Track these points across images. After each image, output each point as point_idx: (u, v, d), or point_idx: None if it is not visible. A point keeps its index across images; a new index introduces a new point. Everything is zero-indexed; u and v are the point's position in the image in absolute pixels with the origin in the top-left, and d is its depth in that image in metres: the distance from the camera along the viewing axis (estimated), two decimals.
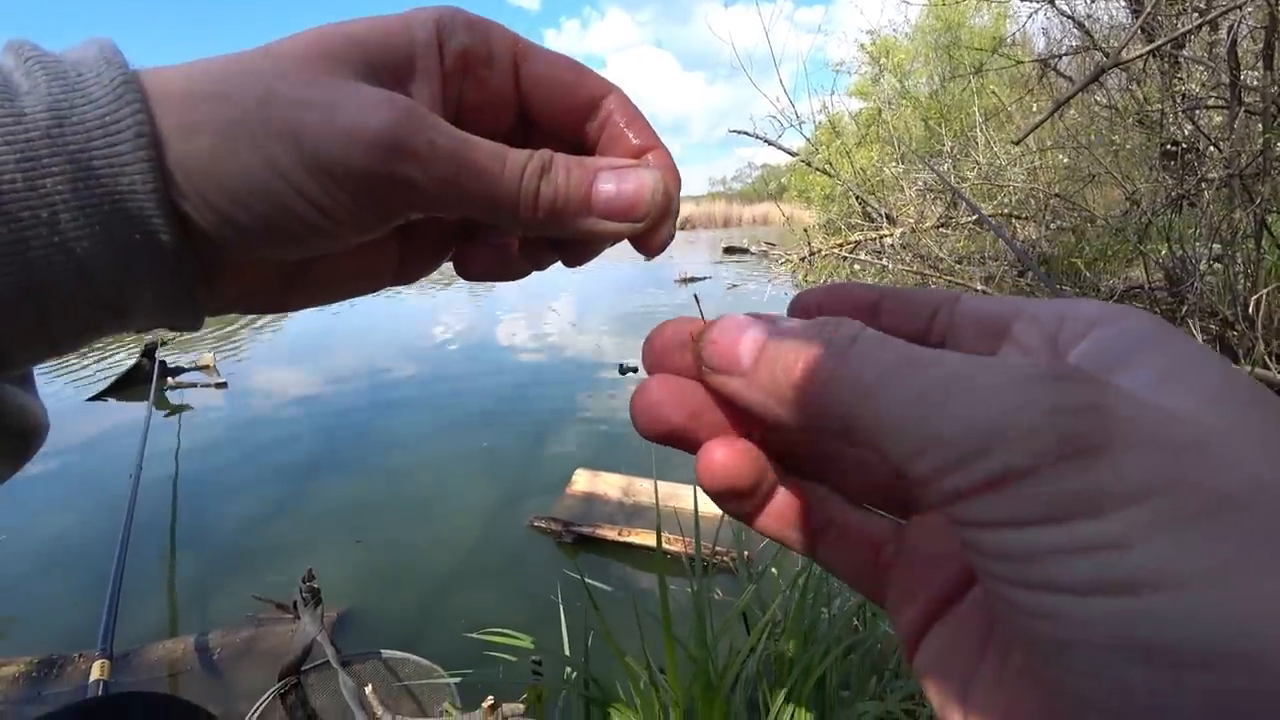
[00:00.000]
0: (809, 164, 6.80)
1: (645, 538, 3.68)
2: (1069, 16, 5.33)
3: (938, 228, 5.91)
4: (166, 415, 5.62)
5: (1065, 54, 5.73)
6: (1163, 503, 0.12)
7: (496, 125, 0.26)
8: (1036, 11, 5.45)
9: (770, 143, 6.37)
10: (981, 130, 6.08)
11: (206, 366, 8.81)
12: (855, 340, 0.16)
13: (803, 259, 5.55)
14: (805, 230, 6.26)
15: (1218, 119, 3.83)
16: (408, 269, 0.28)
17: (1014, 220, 5.51)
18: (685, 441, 0.21)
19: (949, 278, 4.93)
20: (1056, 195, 5.05)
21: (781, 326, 0.19)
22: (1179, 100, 3.85)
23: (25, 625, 2.80)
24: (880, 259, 5.69)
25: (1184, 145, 4.01)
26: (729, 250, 18.12)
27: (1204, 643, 0.11)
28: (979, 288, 4.44)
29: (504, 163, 0.22)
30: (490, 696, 1.39)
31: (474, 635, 1.41)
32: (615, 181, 0.23)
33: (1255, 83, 3.20)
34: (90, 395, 6.51)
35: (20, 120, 0.18)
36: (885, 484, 0.23)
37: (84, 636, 2.30)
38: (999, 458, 0.13)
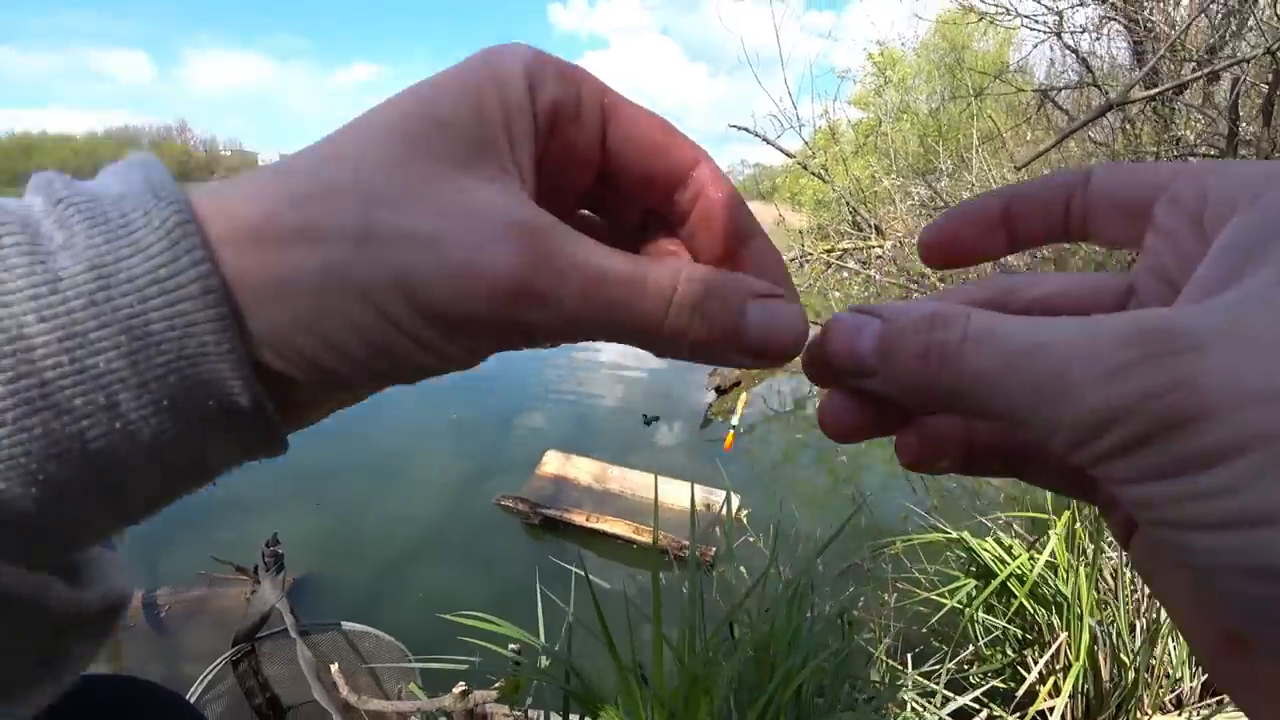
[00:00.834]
0: (804, 167, 6.83)
1: (615, 526, 3.66)
2: (1073, 50, 5.40)
3: None
4: None
5: (1065, 87, 5.82)
6: (1260, 456, 0.13)
7: (575, 186, 0.23)
8: (1042, 41, 5.52)
9: (769, 141, 6.39)
10: (977, 153, 6.15)
11: None
12: (964, 340, 0.17)
13: (793, 259, 5.57)
14: (801, 233, 6.29)
15: None
16: None
17: None
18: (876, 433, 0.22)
19: (933, 295, 4.98)
20: None
21: (892, 322, 0.19)
22: (1175, 144, 3.93)
23: None
24: (867, 268, 5.74)
25: None
26: None
27: None
28: None
29: (644, 289, 0.19)
30: (461, 683, 1.35)
31: (448, 617, 1.37)
32: (766, 317, 0.20)
33: (1251, 136, 3.28)
34: None
35: (57, 287, 0.15)
36: None
37: None
38: (1115, 434, 0.15)
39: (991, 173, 5.94)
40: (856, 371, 0.19)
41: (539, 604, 1.37)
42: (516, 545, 3.78)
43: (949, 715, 1.40)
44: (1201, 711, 1.53)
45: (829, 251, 5.95)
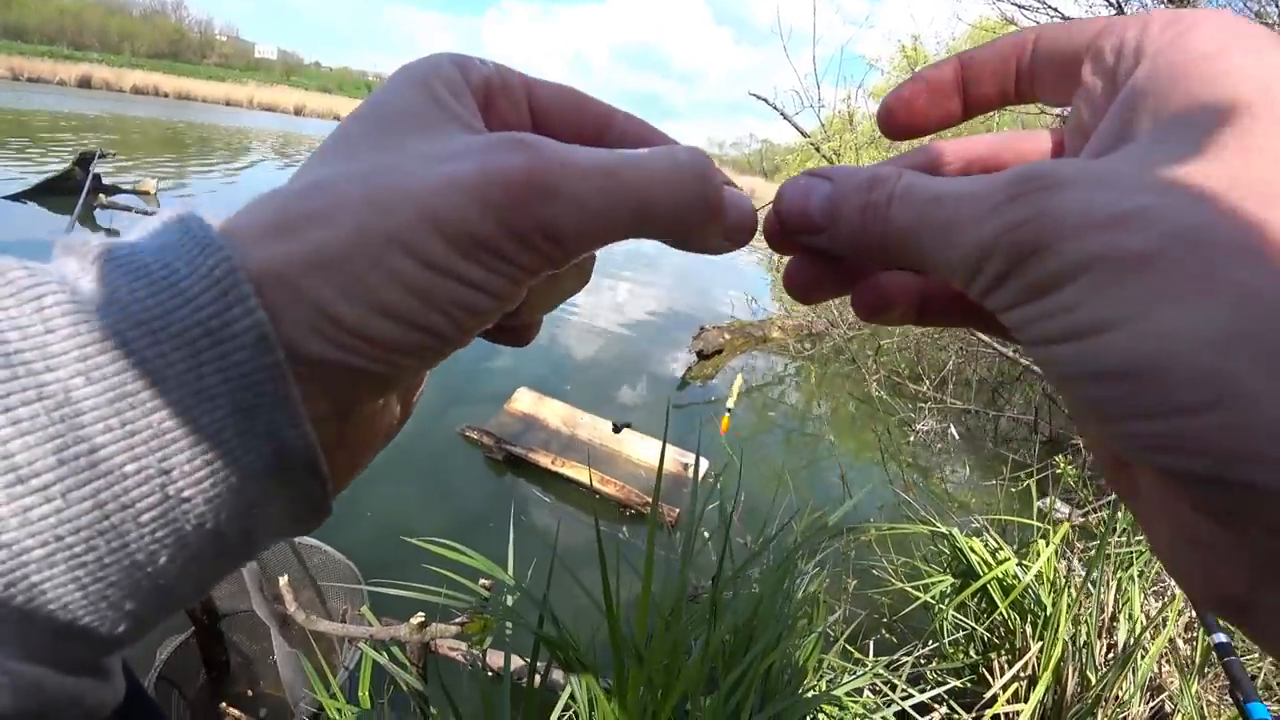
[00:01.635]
0: (817, 149, 6.70)
1: (580, 472, 3.60)
2: None
3: None
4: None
5: None
6: (1095, 275, 0.15)
7: None
8: None
9: (786, 117, 6.23)
10: None
11: (146, 192, 8.14)
12: (891, 197, 0.19)
13: None
14: None
15: None
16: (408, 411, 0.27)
17: None
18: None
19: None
20: None
21: (840, 184, 0.20)
22: None
23: None
24: None
25: None
26: None
27: (1127, 361, 0.14)
28: None
29: (671, 163, 0.20)
30: (421, 613, 1.26)
31: (413, 541, 1.27)
32: (734, 198, 0.22)
33: None
34: (10, 193, 5.95)
35: (106, 347, 0.15)
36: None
37: None
38: (991, 267, 0.17)
39: None
40: (807, 228, 0.21)
41: (511, 539, 1.28)
42: (476, 478, 3.72)
43: (911, 708, 1.37)
44: None
45: None
